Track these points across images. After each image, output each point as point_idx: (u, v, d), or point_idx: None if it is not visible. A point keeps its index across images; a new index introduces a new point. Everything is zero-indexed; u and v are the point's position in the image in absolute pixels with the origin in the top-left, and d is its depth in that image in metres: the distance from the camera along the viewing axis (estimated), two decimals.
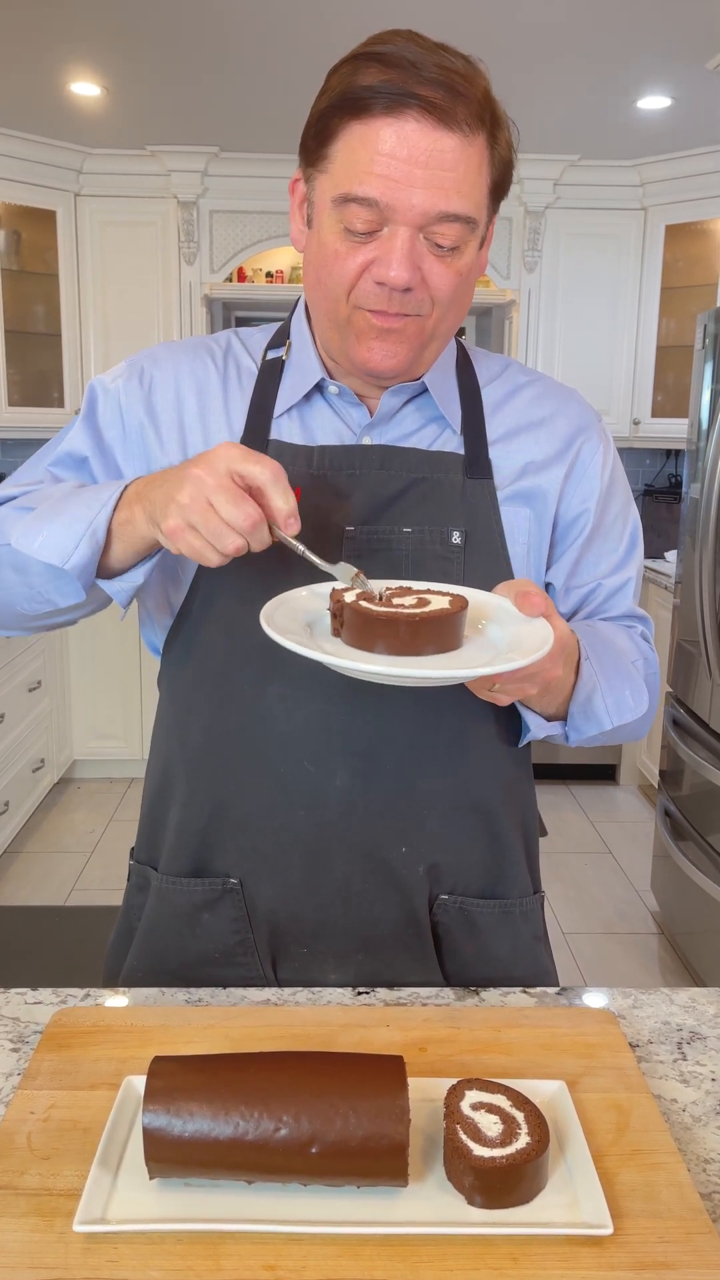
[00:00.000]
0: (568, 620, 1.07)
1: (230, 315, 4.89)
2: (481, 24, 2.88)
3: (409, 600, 0.84)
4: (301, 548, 0.86)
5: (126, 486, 0.91)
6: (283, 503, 0.82)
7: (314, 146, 0.92)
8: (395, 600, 0.84)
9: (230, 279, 4.46)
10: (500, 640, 0.86)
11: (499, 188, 0.94)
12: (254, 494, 0.83)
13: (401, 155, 0.86)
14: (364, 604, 0.83)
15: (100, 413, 1.05)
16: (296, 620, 0.86)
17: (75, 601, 0.94)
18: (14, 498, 1.01)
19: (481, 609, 0.89)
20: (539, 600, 0.83)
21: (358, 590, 0.86)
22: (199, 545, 0.82)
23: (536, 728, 0.99)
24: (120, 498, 0.90)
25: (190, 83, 3.40)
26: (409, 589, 0.88)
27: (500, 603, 0.87)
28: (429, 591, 0.87)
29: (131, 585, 0.93)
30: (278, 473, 0.82)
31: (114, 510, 0.89)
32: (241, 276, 4.58)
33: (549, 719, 1.00)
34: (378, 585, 0.89)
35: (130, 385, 1.04)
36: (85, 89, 3.50)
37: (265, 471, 0.82)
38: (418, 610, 0.82)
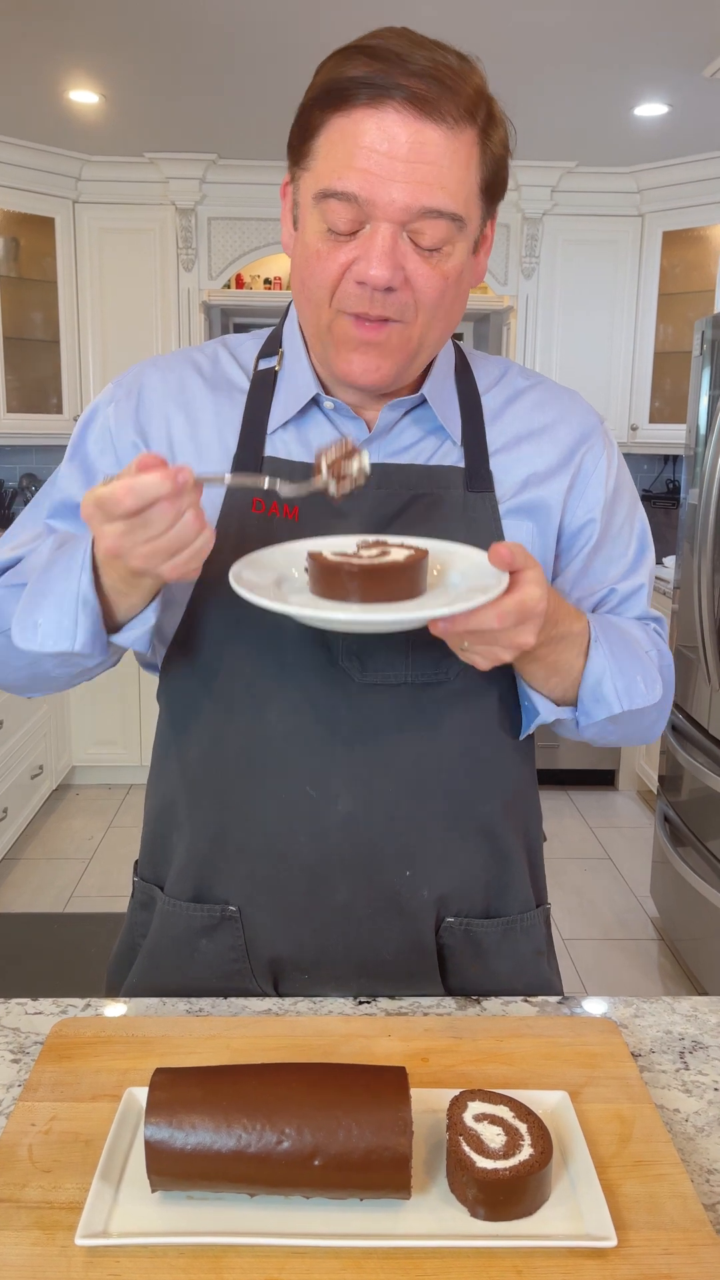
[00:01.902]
0: None
1: (229, 322, 4.90)
2: (479, 30, 2.89)
3: (373, 551, 0.84)
4: (218, 477, 0.82)
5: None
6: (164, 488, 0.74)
7: (298, 144, 0.90)
8: (361, 552, 0.84)
9: (229, 285, 4.47)
10: (460, 592, 0.85)
11: (492, 187, 0.91)
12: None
13: (382, 148, 0.83)
14: (324, 555, 0.83)
15: (90, 444, 1.02)
16: (265, 575, 0.86)
17: (101, 659, 0.92)
18: (9, 566, 1.00)
19: (456, 563, 0.88)
20: (506, 552, 0.80)
21: (332, 549, 0.86)
22: (132, 548, 0.77)
23: (546, 711, 0.97)
24: (93, 549, 0.85)
25: (188, 90, 3.41)
26: (383, 542, 0.87)
27: (481, 559, 0.85)
28: (400, 545, 0.86)
29: (145, 628, 0.89)
30: (126, 481, 0.74)
31: (92, 566, 0.85)
32: (240, 283, 4.59)
33: (560, 705, 0.98)
34: (352, 539, 0.88)
35: (119, 408, 1.02)
36: (84, 96, 3.50)
37: (118, 487, 0.74)
38: (373, 560, 0.82)
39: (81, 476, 1.02)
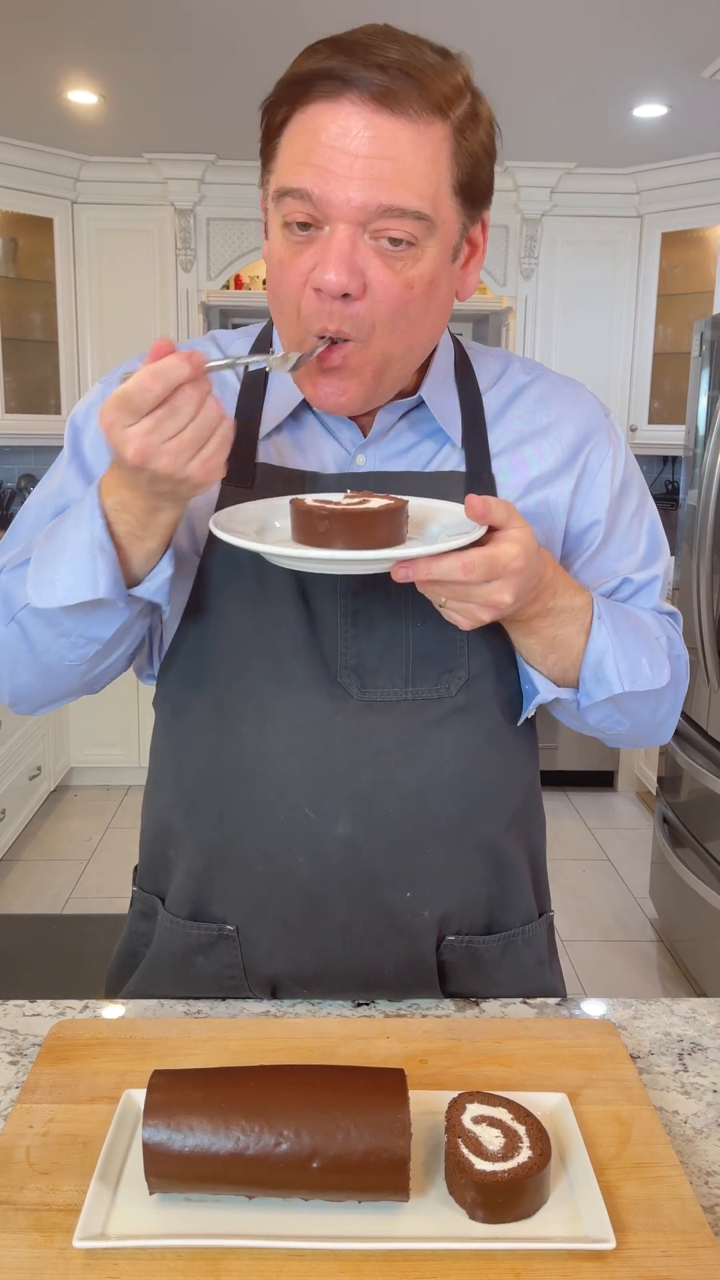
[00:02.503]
0: None
1: (227, 322, 4.89)
2: (478, 32, 2.89)
3: (355, 500, 0.83)
4: (227, 363, 0.80)
5: (98, 487, 0.84)
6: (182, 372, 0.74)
7: (264, 144, 0.86)
8: (344, 502, 0.83)
9: (227, 286, 4.47)
10: (435, 540, 0.84)
11: (470, 189, 0.85)
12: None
13: (338, 144, 0.78)
14: (304, 500, 0.83)
15: (85, 445, 0.99)
16: (248, 526, 0.86)
17: (120, 622, 0.88)
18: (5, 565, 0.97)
19: (440, 517, 0.88)
20: (479, 505, 0.77)
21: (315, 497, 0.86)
22: (161, 445, 0.75)
23: (545, 690, 0.94)
24: (100, 494, 0.83)
25: (187, 91, 3.41)
26: (369, 494, 0.86)
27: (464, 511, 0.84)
28: (386, 496, 0.84)
29: (164, 577, 0.86)
30: (150, 364, 0.74)
31: (102, 511, 0.83)
32: (239, 284, 4.59)
33: (560, 685, 0.95)
34: (340, 494, 0.88)
35: None
36: (82, 97, 3.50)
37: (143, 372, 0.74)
38: (351, 506, 0.81)
39: (82, 479, 0.99)
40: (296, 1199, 0.69)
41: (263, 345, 1.02)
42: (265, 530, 0.87)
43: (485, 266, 4.34)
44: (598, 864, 3.77)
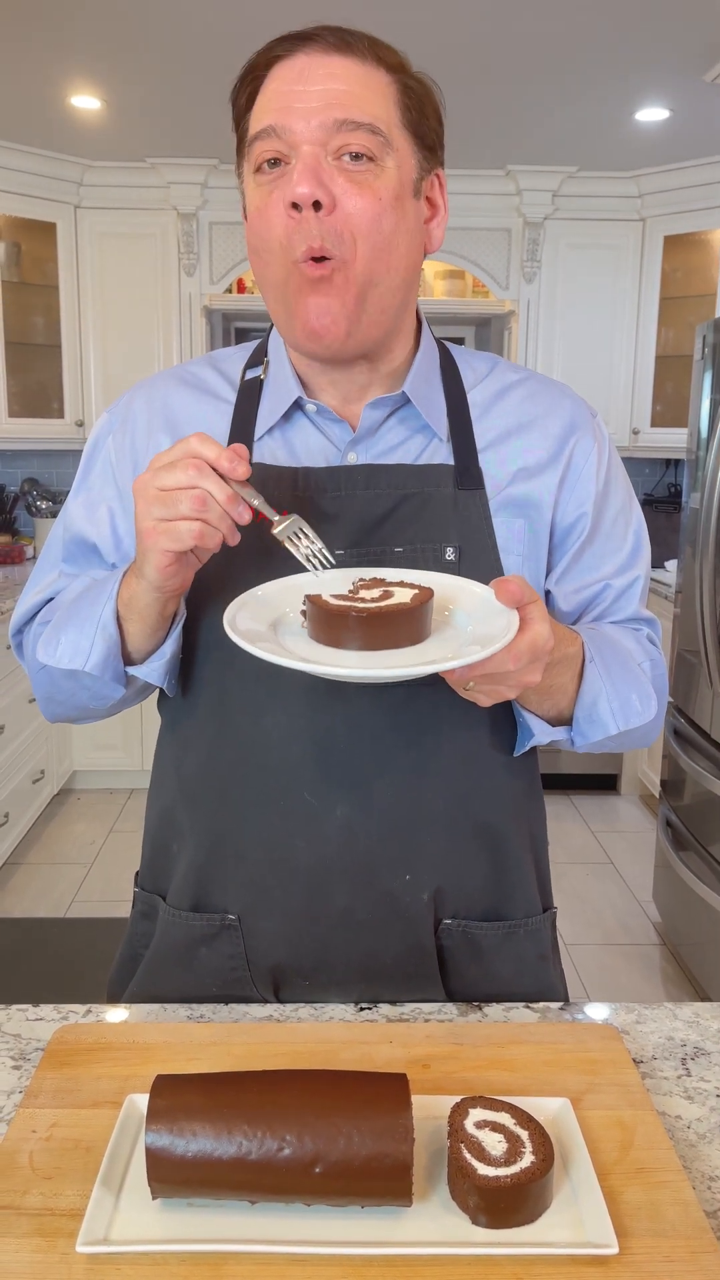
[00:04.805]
0: (574, 623, 1.05)
1: (230, 326, 4.90)
2: (480, 37, 2.89)
3: (374, 593, 0.82)
4: (257, 499, 0.85)
5: (124, 573, 0.92)
6: (213, 452, 0.81)
7: (236, 128, 0.94)
8: (362, 593, 0.82)
9: (230, 290, 4.47)
10: (468, 633, 0.83)
11: (419, 129, 0.91)
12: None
13: (296, 84, 0.86)
14: (324, 598, 0.81)
15: (94, 477, 1.06)
16: (260, 620, 0.85)
17: (118, 694, 0.97)
18: (41, 606, 1.07)
19: (462, 600, 0.87)
20: (515, 588, 0.79)
21: (331, 591, 0.84)
22: (170, 528, 0.81)
23: (540, 733, 0.97)
24: (120, 582, 0.92)
25: (190, 95, 3.42)
26: (381, 581, 0.85)
27: (486, 594, 0.84)
28: (401, 584, 0.85)
29: (161, 662, 0.94)
30: (197, 441, 0.81)
31: (116, 598, 0.91)
32: (241, 288, 4.59)
33: (554, 724, 0.98)
34: (346, 574, 0.87)
35: (116, 440, 1.04)
36: (85, 102, 3.51)
37: (181, 451, 0.81)
38: (377, 604, 0.80)
39: (86, 512, 1.05)
40: (299, 1204, 0.69)
41: (258, 358, 1.05)
42: (280, 623, 0.86)
43: (487, 269, 4.35)
44: (601, 867, 3.77)
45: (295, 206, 0.86)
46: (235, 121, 0.94)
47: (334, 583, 0.87)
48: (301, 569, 0.89)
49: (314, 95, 0.85)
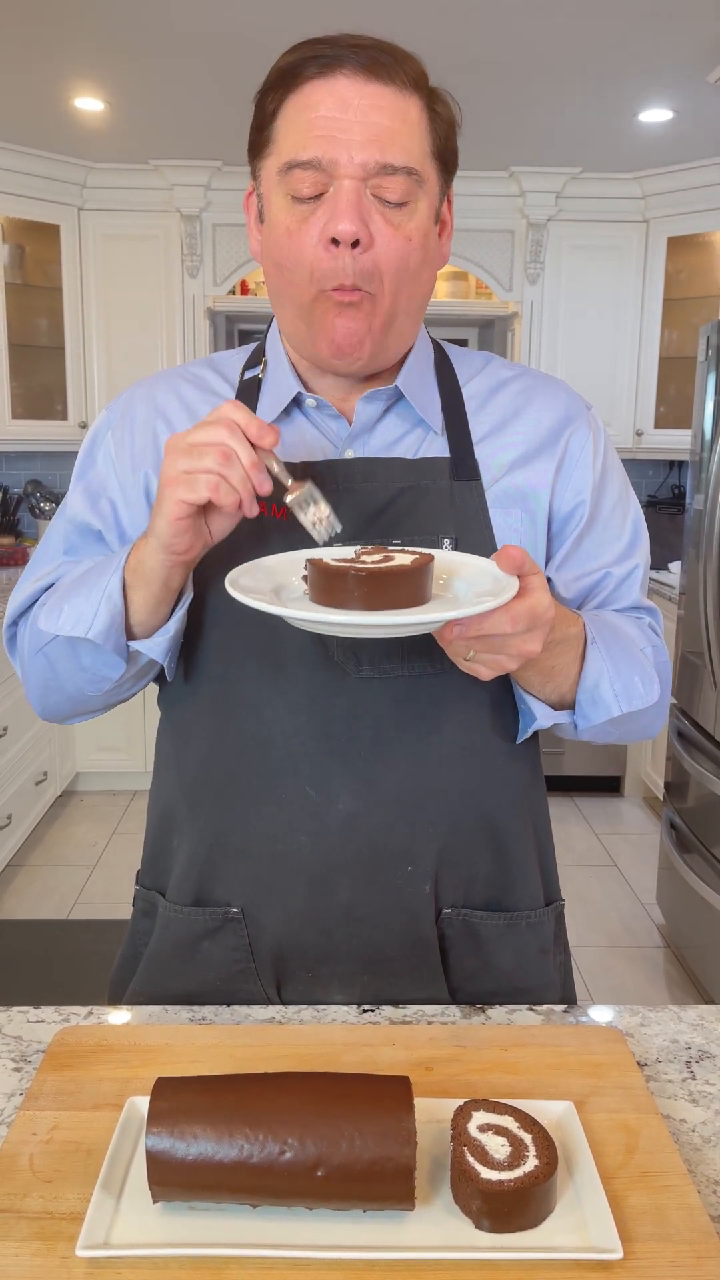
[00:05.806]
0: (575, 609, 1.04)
1: (233, 328, 4.90)
2: (483, 38, 2.89)
3: (375, 557, 0.83)
4: (277, 465, 0.86)
5: (134, 544, 0.92)
6: (245, 417, 0.83)
7: (256, 136, 0.93)
8: (364, 558, 0.83)
9: (233, 292, 4.47)
10: (468, 598, 0.83)
11: (444, 155, 0.94)
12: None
13: (337, 112, 0.87)
14: (326, 560, 0.82)
15: (94, 470, 1.06)
16: (262, 585, 0.85)
17: (119, 671, 0.95)
18: (40, 593, 1.04)
19: (463, 571, 0.87)
20: (516, 554, 0.79)
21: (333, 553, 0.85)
22: (190, 478, 0.82)
23: (543, 716, 0.97)
24: (129, 552, 0.91)
25: (193, 97, 3.42)
26: (382, 548, 0.86)
27: (487, 565, 0.85)
28: (403, 550, 0.85)
29: (165, 638, 0.93)
30: (231, 406, 0.83)
31: (124, 567, 0.90)
32: (244, 289, 4.59)
33: (556, 709, 0.98)
34: (349, 548, 0.88)
35: (115, 435, 1.05)
36: (89, 104, 3.51)
37: (215, 415, 0.83)
38: (377, 565, 0.80)
39: (88, 502, 1.05)
40: (301, 1208, 0.68)
41: (256, 359, 1.06)
42: (282, 589, 0.87)
43: (490, 271, 4.35)
44: (604, 869, 3.76)
45: (334, 241, 0.88)
46: (258, 124, 0.93)
47: (338, 553, 0.87)
48: (310, 544, 0.90)
49: (356, 127, 0.86)
